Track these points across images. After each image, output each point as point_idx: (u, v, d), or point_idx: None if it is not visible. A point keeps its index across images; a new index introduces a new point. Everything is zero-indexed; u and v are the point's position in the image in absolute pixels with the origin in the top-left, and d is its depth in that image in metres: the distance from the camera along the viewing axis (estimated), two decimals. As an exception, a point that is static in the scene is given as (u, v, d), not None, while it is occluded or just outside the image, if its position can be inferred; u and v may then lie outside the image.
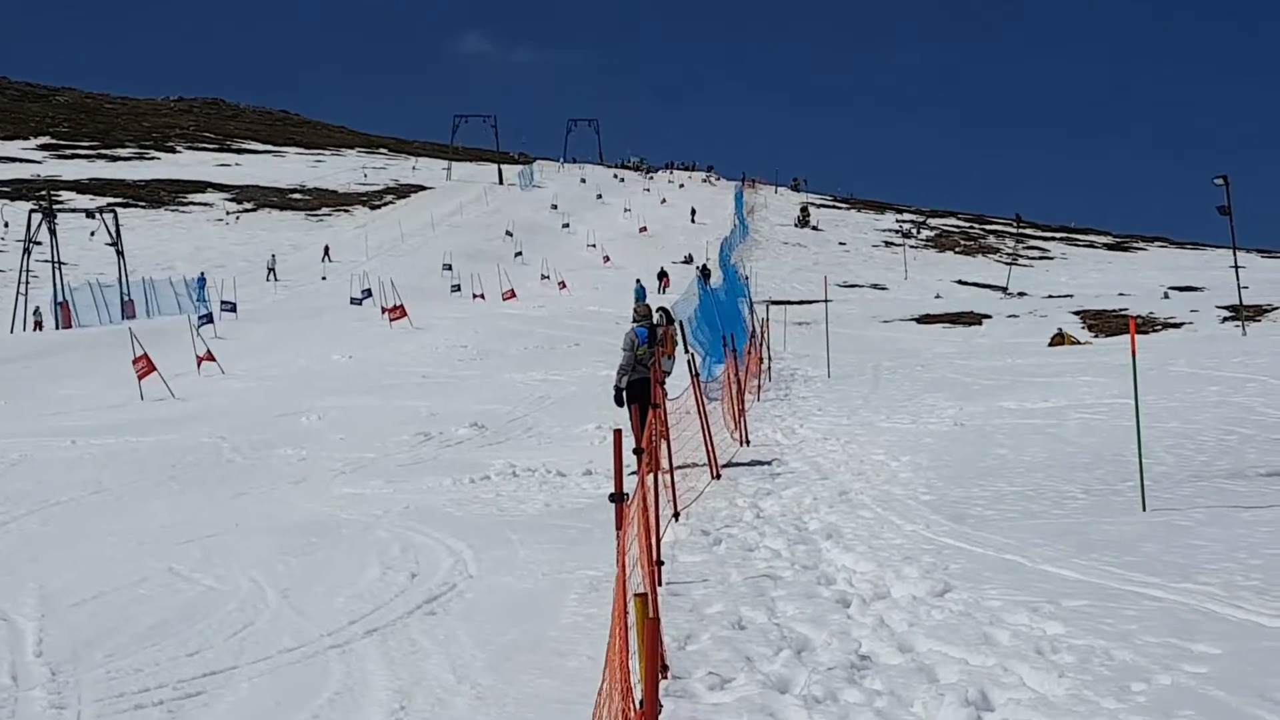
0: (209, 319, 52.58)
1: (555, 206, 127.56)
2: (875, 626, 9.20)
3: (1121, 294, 69.65)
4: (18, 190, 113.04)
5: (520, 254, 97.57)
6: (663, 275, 74.03)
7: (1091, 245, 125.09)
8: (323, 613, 10.43)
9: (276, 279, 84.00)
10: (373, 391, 29.96)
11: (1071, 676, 7.66)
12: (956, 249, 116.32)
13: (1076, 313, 57.57)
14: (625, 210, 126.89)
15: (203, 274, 79.40)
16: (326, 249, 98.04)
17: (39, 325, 62.52)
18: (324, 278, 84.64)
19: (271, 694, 8.46)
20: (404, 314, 51.35)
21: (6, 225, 68.49)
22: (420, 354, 40.62)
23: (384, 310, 54.66)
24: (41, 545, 14.09)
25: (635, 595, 5.68)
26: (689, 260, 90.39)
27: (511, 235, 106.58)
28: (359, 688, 8.50)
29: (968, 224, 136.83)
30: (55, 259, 69.06)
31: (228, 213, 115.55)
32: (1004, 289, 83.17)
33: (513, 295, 70.24)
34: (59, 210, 75.88)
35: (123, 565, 12.59)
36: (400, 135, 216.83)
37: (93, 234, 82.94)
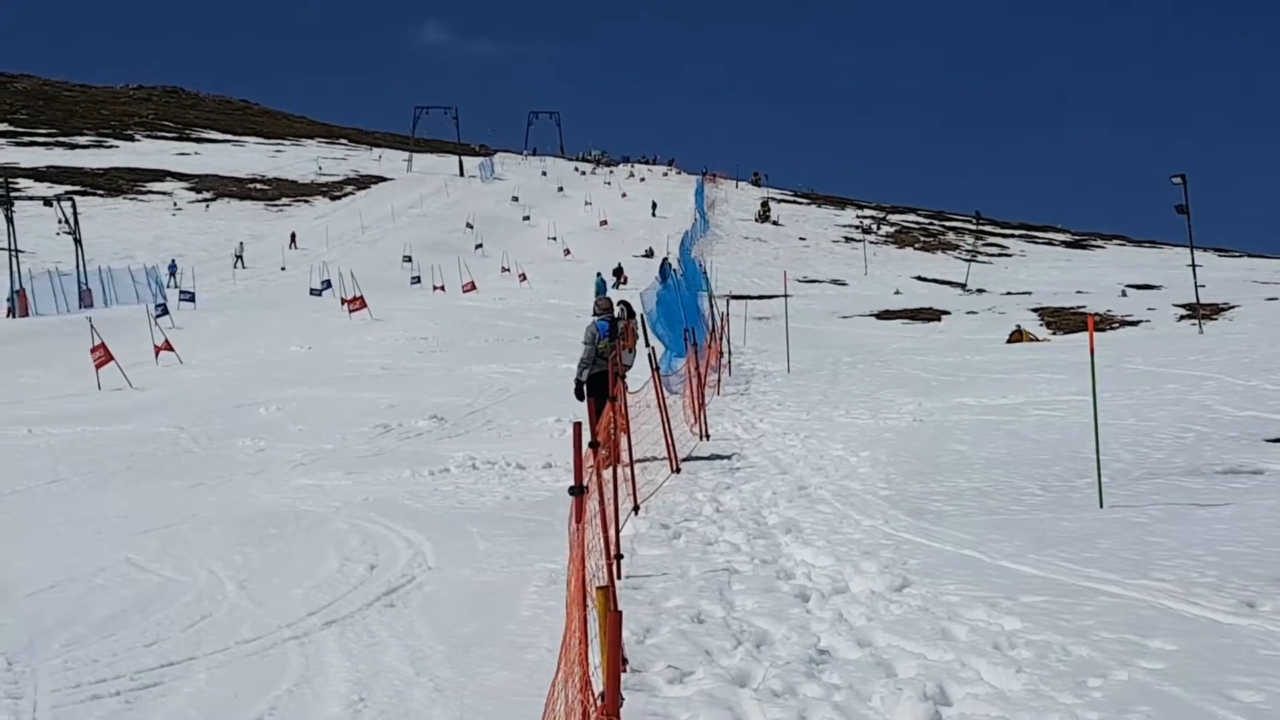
0: (165, 309, 52.33)
1: (516, 199, 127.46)
2: (834, 621, 9.23)
3: (1080, 292, 69.92)
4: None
5: (481, 246, 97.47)
6: (619, 271, 73.57)
7: (1050, 243, 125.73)
8: (281, 604, 10.40)
9: (244, 266, 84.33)
10: (332, 383, 29.87)
11: (1029, 672, 7.70)
12: (916, 245, 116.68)
13: (1035, 310, 57.72)
14: (586, 203, 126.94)
15: (174, 261, 79.57)
16: (293, 236, 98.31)
17: (11, 313, 61.74)
18: (284, 268, 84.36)
19: (229, 685, 8.43)
20: (364, 305, 51.21)
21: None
22: (380, 346, 40.52)
23: (343, 301, 54.50)
24: (-3, 535, 14.00)
25: (599, 589, 5.69)
26: (650, 254, 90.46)
27: (472, 227, 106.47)
28: (317, 679, 8.48)
29: (927, 220, 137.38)
30: (12, 247, 68.54)
31: (190, 202, 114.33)
32: (963, 286, 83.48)
33: (473, 287, 70.09)
34: (16, 198, 75.26)
35: (80, 555, 12.53)
36: (361, 126, 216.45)
37: (58, 232, 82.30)
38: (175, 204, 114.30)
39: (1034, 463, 15.93)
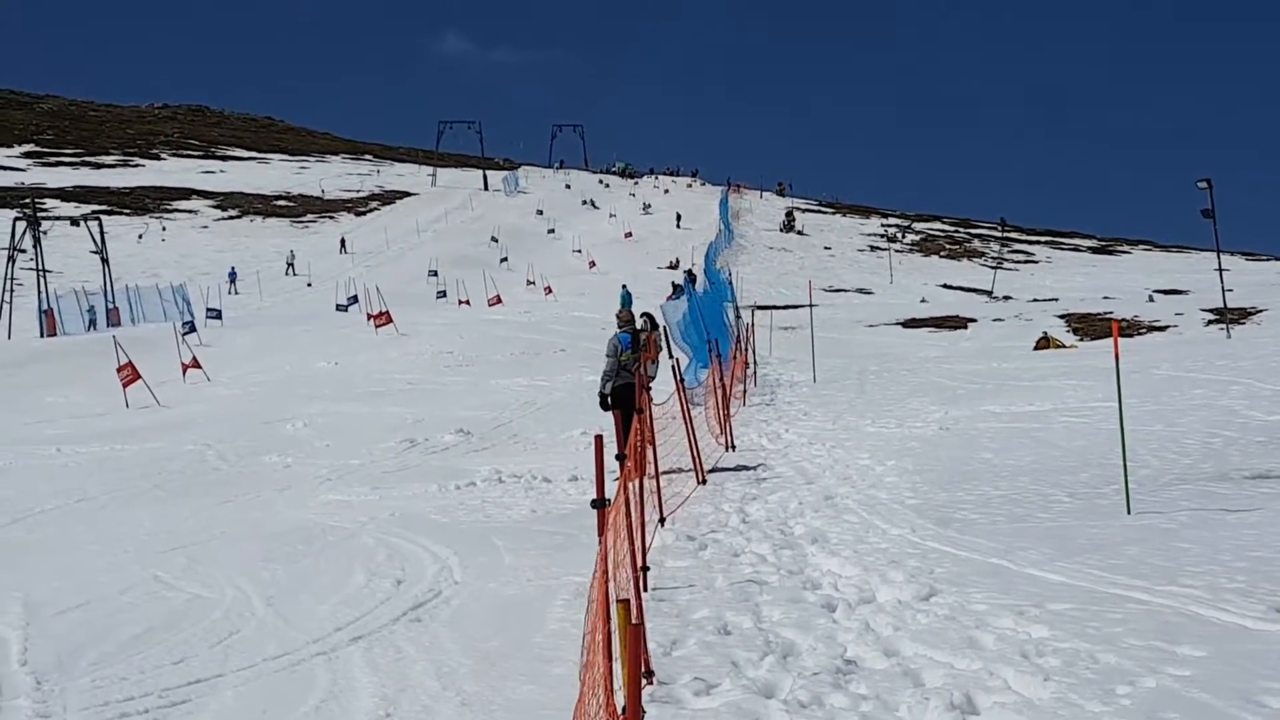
0: (193, 326, 52.47)
1: (540, 212, 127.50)
2: (861, 631, 9.21)
3: (1106, 297, 69.75)
4: (2, 198, 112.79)
5: (506, 260, 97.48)
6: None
7: (1076, 249, 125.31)
8: (308, 620, 10.42)
9: (295, 273, 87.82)
10: (358, 398, 29.92)
11: (1057, 680, 7.67)
12: (941, 253, 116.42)
13: (1061, 316, 57.56)
14: (611, 215, 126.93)
15: (234, 268, 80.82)
16: (343, 240, 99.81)
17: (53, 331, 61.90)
18: (310, 284, 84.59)
19: (257, 701, 8.45)
20: (389, 320, 51.24)
21: (14, 238, 68.20)
22: (406, 360, 40.54)
23: (369, 317, 54.51)
24: (26, 554, 14.07)
25: (619, 602, 5.68)
26: (674, 265, 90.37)
27: (497, 241, 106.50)
28: (344, 695, 8.49)
29: (953, 228, 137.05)
30: (40, 267, 68.83)
31: (163, 227, 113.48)
32: (989, 293, 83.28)
33: (499, 301, 70.08)
34: (43, 218, 75.58)
35: (108, 574, 12.57)
36: (385, 141, 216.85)
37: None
38: (164, 227, 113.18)
39: (1061, 470, 15.89)
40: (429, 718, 7.97)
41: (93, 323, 63.35)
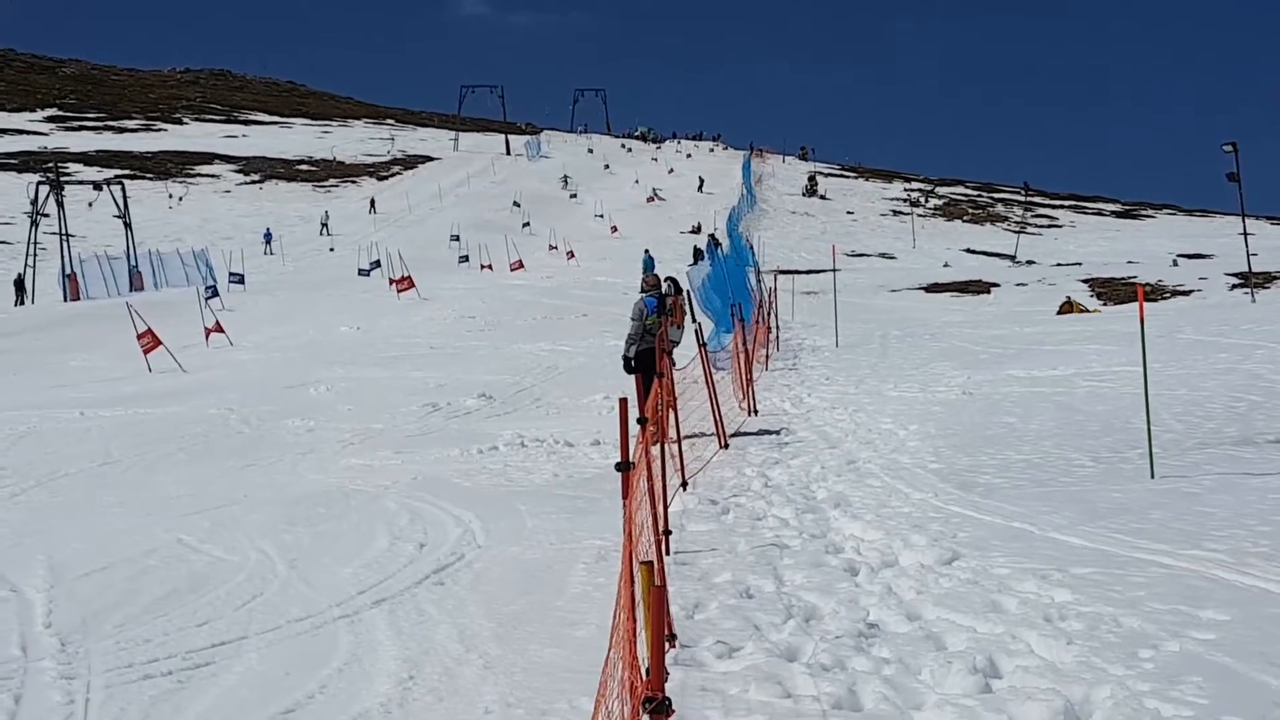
0: (215, 291, 52.57)
1: (567, 178, 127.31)
2: (883, 594, 9.20)
3: (1130, 262, 69.55)
4: (25, 162, 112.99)
5: (528, 225, 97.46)
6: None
7: (1100, 213, 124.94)
8: (331, 583, 10.44)
9: (329, 233, 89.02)
10: (380, 363, 29.94)
11: (1080, 644, 7.66)
12: (964, 218, 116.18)
13: (1085, 281, 57.50)
14: (634, 181, 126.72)
15: (269, 229, 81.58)
16: (372, 201, 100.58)
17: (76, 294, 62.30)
18: (332, 249, 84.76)
19: (280, 664, 8.47)
20: (411, 285, 51.27)
21: (34, 202, 68.45)
22: (428, 325, 40.58)
23: (391, 282, 54.58)
24: (50, 517, 14.11)
25: (641, 563, 5.68)
26: (697, 230, 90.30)
27: (519, 206, 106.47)
28: (368, 657, 8.51)
29: (975, 192, 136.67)
30: (63, 231, 69.00)
31: (179, 197, 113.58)
32: (1012, 257, 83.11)
33: (520, 266, 70.08)
34: (66, 182, 75.72)
35: (132, 536, 12.60)
36: (407, 105, 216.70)
37: (90, 204, 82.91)
38: (170, 194, 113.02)
39: (1084, 434, 15.85)
40: (452, 680, 7.98)
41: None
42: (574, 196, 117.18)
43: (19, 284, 63.23)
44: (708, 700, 7.17)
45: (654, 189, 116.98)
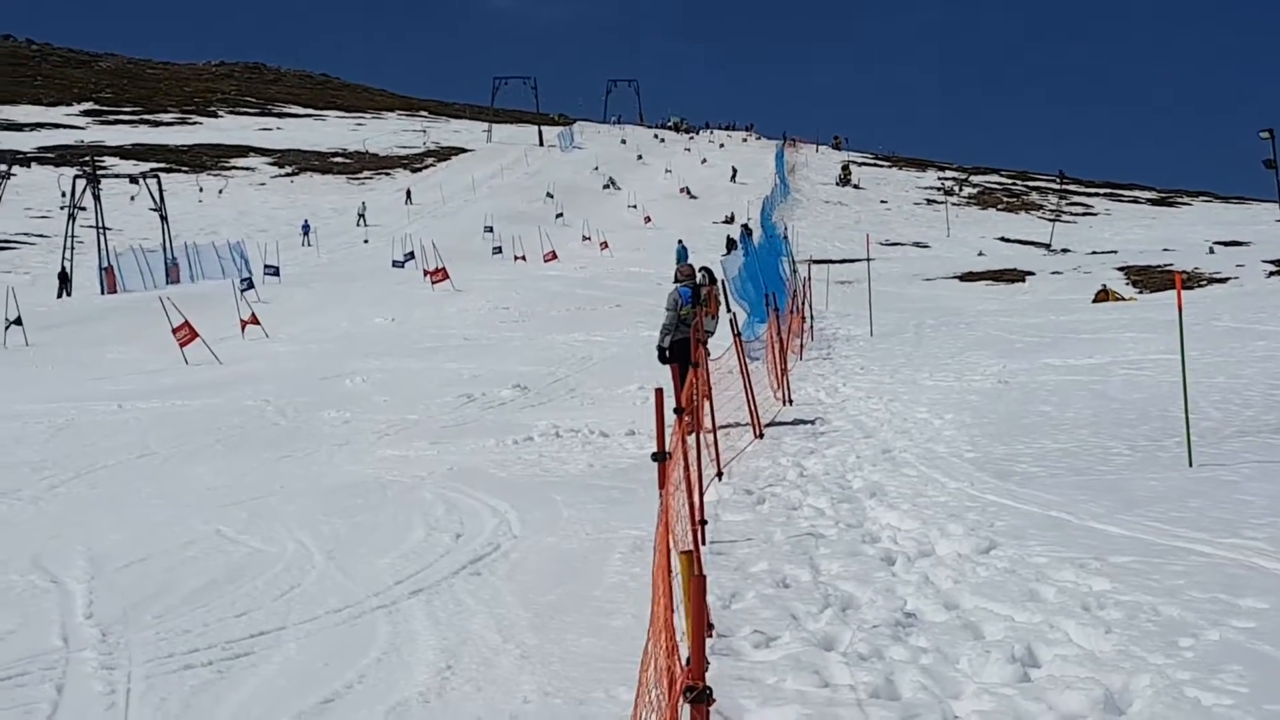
0: (250, 283, 52.77)
1: (598, 170, 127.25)
2: (920, 584, 9.19)
3: (1166, 249, 69.18)
4: (62, 156, 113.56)
5: (561, 215, 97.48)
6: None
7: (1135, 201, 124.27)
8: (368, 574, 10.47)
9: (366, 224, 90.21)
10: (415, 354, 30.01)
11: (1118, 632, 7.63)
12: (999, 206, 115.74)
13: (1121, 269, 57.20)
14: (666, 171, 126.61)
15: (307, 221, 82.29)
16: (409, 192, 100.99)
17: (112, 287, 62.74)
18: (366, 240, 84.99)
19: (319, 654, 8.50)
20: (446, 276, 51.38)
21: (65, 194, 68.91)
22: (462, 316, 40.67)
23: (426, 273, 54.70)
24: (89, 508, 14.18)
25: (681, 553, 5.68)
26: (730, 220, 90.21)
27: (552, 197, 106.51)
28: (405, 647, 8.53)
29: (1010, 181, 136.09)
30: (100, 224, 69.33)
31: (219, 190, 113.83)
32: (1047, 246, 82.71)
33: (554, 257, 70.15)
34: (103, 176, 76.06)
35: (170, 527, 12.67)
36: (440, 97, 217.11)
37: (133, 198, 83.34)
38: (200, 188, 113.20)
39: (1121, 422, 15.79)
40: (490, 670, 8.00)
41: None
42: (607, 187, 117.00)
43: (63, 277, 63.60)
44: (745, 689, 7.18)
45: (684, 186, 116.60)
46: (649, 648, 5.90)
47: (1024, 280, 55.57)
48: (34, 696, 7.89)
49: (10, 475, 16.39)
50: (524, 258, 72.01)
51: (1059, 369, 21.62)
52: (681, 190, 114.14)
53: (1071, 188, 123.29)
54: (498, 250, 77.04)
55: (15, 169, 74.20)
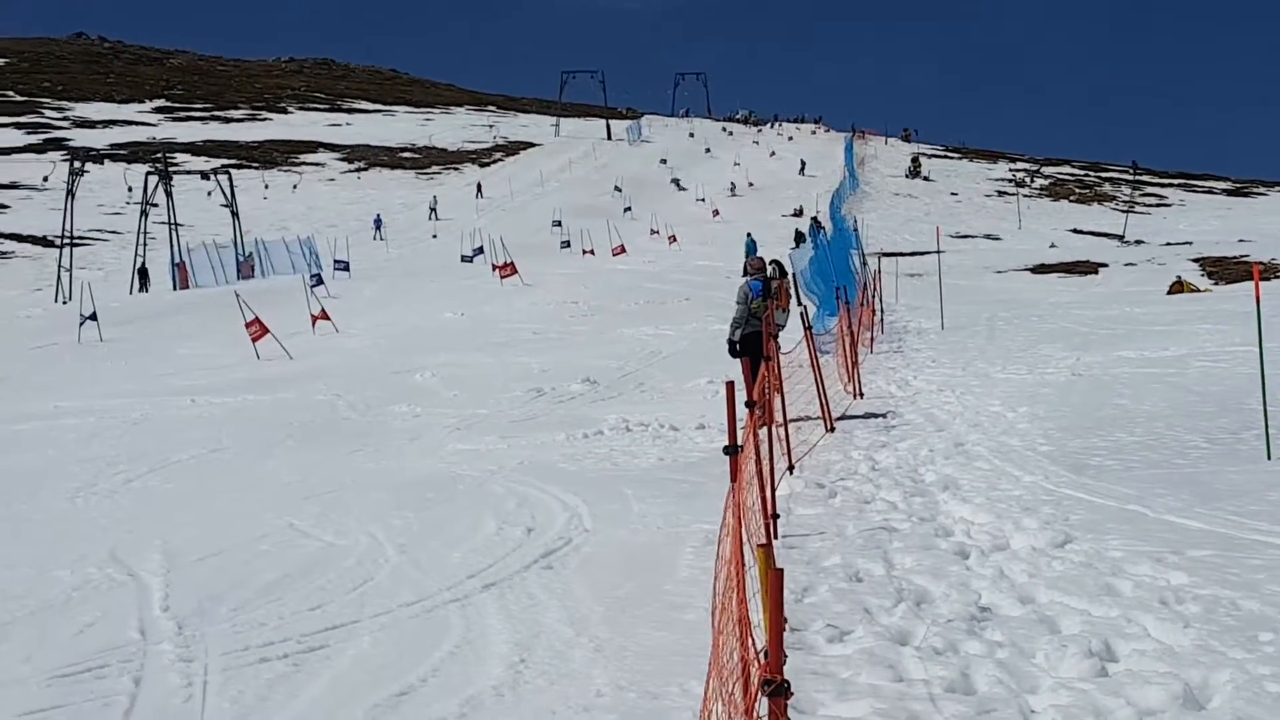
0: (320, 279, 53.11)
1: (664, 161, 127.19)
2: (995, 578, 9.12)
3: (1242, 240, 68.30)
4: (134, 153, 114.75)
5: (629, 209, 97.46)
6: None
7: (1210, 191, 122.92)
8: (441, 567, 10.50)
9: (438, 218, 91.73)
10: (484, 348, 30.09)
11: (1197, 627, 7.55)
12: (1071, 198, 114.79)
13: (1196, 260, 56.54)
14: (734, 164, 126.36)
15: (379, 215, 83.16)
16: (479, 186, 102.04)
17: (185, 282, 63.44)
18: (435, 235, 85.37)
19: (393, 647, 8.54)
20: (514, 271, 51.49)
21: (131, 190, 69.79)
22: (531, 310, 40.74)
23: (494, 267, 54.83)
24: (164, 503, 14.33)
25: (758, 546, 5.65)
26: (799, 213, 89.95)
27: (620, 191, 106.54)
28: (479, 640, 8.55)
29: (1082, 172, 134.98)
30: (172, 220, 69.99)
31: (294, 185, 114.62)
32: (1120, 237, 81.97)
33: (622, 251, 70.11)
34: (174, 172, 76.79)
35: (244, 521, 12.77)
36: (508, 91, 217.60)
37: (210, 193, 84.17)
38: (266, 184, 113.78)
39: (1198, 415, 15.62)
40: (562, 663, 8.00)
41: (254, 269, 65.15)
42: (676, 182, 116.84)
43: (143, 272, 64.29)
44: (820, 683, 7.15)
45: (749, 180, 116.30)
46: (717, 641, 5.88)
47: (1097, 272, 55.03)
48: (113, 688, 7.97)
49: (87, 469, 16.59)
50: (592, 252, 72.04)
51: (1134, 361, 21.42)
52: (750, 185, 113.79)
53: (1145, 178, 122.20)
54: (566, 244, 77.11)
55: (88, 165, 74.80)
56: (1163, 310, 31.95)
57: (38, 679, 8.21)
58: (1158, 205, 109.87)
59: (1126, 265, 56.81)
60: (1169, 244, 70.97)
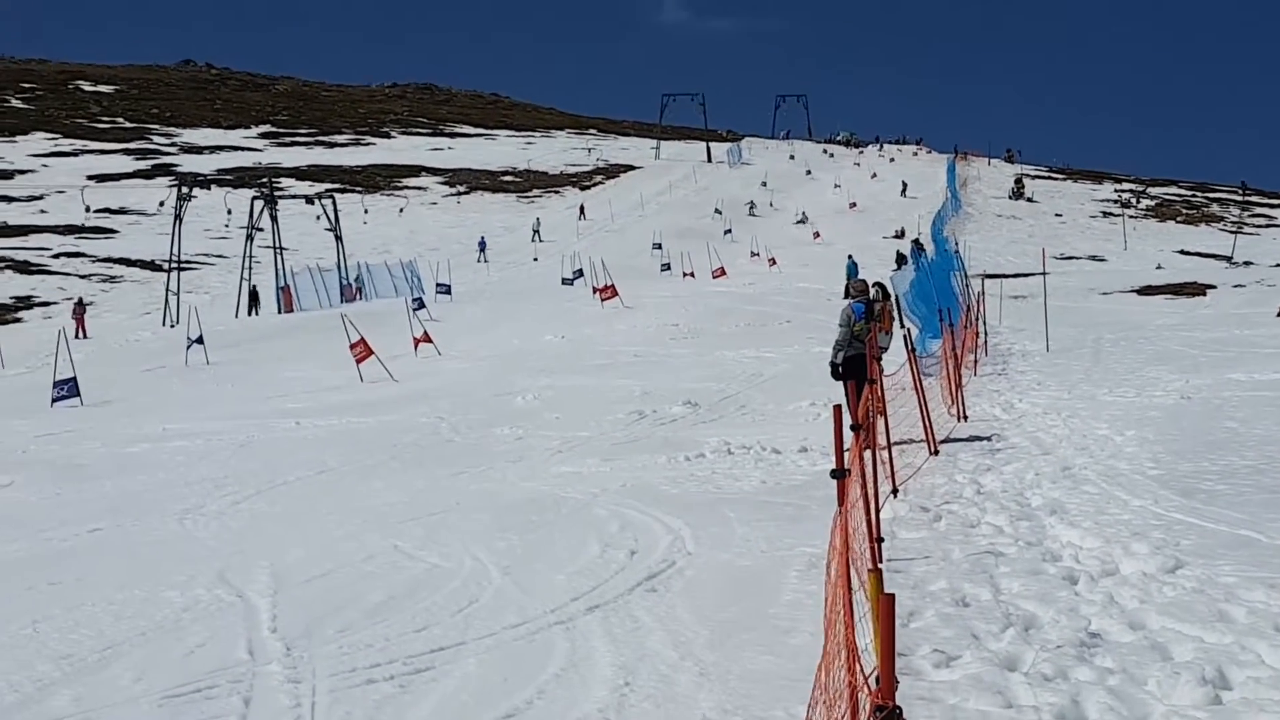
0: (422, 302, 53.46)
1: (765, 184, 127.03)
2: (1104, 603, 9.01)
3: (1354, 260, 67.17)
4: (240, 178, 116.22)
5: (729, 232, 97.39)
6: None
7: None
8: (545, 589, 10.53)
9: (541, 239, 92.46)
10: (586, 371, 30.16)
11: (1314, 655, 7.41)
12: (1178, 218, 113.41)
13: (1306, 281, 55.55)
14: (835, 186, 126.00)
15: (483, 237, 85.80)
16: (582, 208, 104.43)
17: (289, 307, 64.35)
18: (535, 259, 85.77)
19: (498, 669, 8.57)
20: (615, 293, 51.56)
21: (230, 213, 70.83)
22: (632, 333, 40.77)
23: (595, 290, 54.96)
24: (271, 524, 14.47)
25: (870, 570, 5.62)
26: (900, 235, 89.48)
27: (721, 213, 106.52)
28: (584, 663, 8.56)
29: (1189, 193, 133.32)
30: (277, 244, 70.82)
31: (400, 209, 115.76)
32: (1229, 258, 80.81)
33: (723, 273, 70.03)
34: (280, 197, 77.72)
35: (350, 543, 12.87)
36: (608, 114, 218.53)
37: (318, 217, 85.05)
38: (365, 209, 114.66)
39: (1312, 439, 15.36)
40: (668, 687, 7.99)
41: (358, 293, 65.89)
42: (771, 204, 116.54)
43: (254, 295, 65.16)
44: (928, 710, 7.10)
45: (850, 202, 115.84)
46: (822, 663, 5.85)
47: (1205, 294, 54.27)
48: (223, 709, 8.06)
49: (194, 492, 16.80)
50: (692, 274, 72.02)
51: (1244, 384, 21.10)
52: (851, 207, 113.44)
53: (1254, 198, 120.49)
54: (666, 267, 77.14)
55: (196, 190, 75.92)
56: (1273, 332, 31.46)
57: (149, 699, 8.32)
58: (1267, 225, 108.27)
59: (1235, 287, 55.97)
60: (1279, 265, 69.89)
